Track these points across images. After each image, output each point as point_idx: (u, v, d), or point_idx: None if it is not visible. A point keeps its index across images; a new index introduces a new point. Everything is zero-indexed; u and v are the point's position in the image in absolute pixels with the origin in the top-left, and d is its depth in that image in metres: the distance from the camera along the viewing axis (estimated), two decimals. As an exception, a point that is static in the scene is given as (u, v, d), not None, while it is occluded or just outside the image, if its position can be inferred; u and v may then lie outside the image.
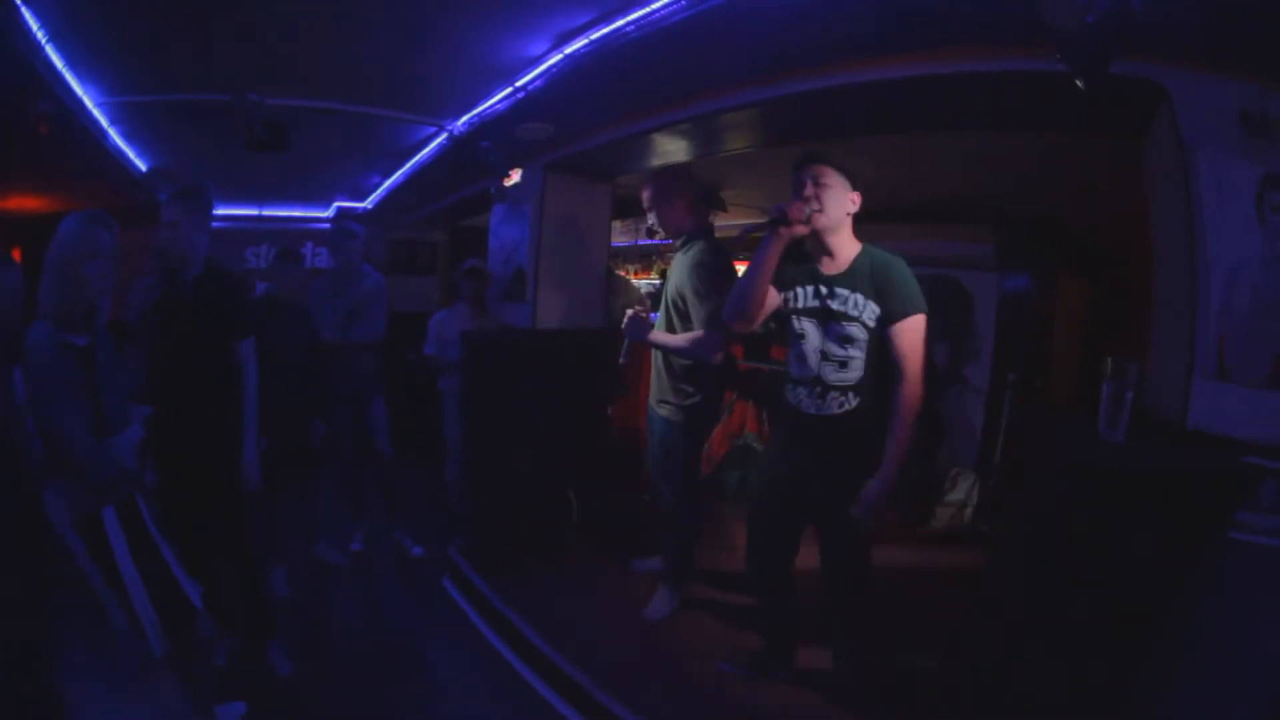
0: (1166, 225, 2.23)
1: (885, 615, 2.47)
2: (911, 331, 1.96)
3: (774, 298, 2.11)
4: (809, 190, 2.01)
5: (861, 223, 2.13)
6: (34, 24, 2.60)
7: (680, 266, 2.78)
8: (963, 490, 4.12)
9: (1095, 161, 3.14)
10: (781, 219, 1.95)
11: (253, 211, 7.50)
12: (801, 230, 1.99)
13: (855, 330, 2.00)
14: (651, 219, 2.90)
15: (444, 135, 4.12)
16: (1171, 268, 2.17)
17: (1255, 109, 1.88)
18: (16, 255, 6.89)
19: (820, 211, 1.99)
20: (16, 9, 2.45)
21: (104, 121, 3.95)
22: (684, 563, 2.98)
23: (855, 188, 2.07)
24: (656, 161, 4.01)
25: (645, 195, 2.88)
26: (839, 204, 2.02)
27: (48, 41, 2.76)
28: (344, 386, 3.65)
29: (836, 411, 2.04)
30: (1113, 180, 2.91)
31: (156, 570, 1.96)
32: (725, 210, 5.93)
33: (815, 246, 2.08)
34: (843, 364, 2.02)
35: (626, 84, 3.02)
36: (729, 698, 2.40)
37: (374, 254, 7.33)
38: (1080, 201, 3.94)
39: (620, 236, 7.48)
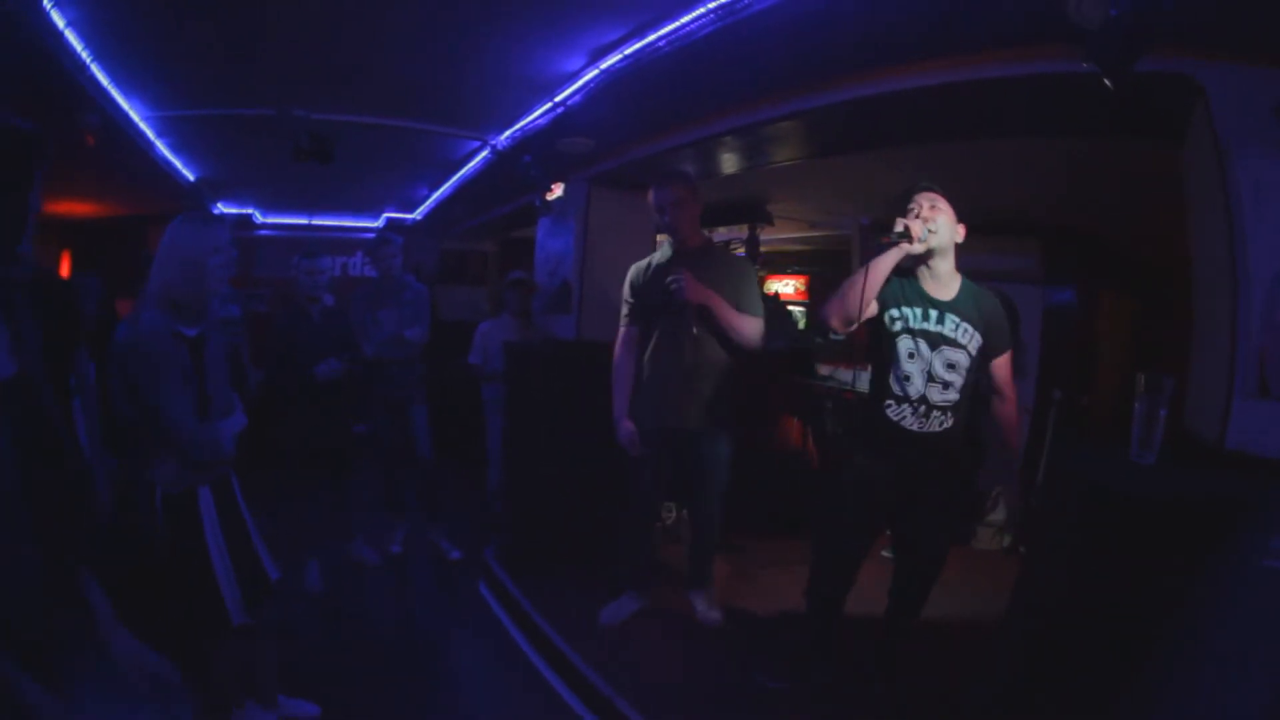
0: (1205, 233, 2.13)
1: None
2: (1008, 364, 2.23)
3: (872, 308, 2.15)
4: (926, 211, 2.08)
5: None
6: (78, 45, 2.75)
7: (713, 273, 2.65)
8: (1004, 510, 4.01)
9: (1139, 172, 3.05)
10: (905, 234, 2.05)
11: (302, 220, 7.78)
12: (919, 248, 2.06)
13: (961, 357, 2.12)
14: (662, 218, 2.71)
15: (488, 149, 4.24)
16: (1211, 278, 2.07)
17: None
18: (65, 257, 6.99)
19: (935, 233, 2.07)
20: (60, 33, 2.60)
21: (151, 134, 4.10)
22: (711, 569, 2.98)
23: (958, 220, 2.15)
24: (703, 174, 4.02)
25: (669, 193, 2.68)
26: (950, 229, 2.11)
27: (92, 61, 2.91)
28: (387, 394, 3.74)
29: (937, 430, 2.15)
30: (1157, 192, 2.81)
31: (243, 548, 2.03)
32: (771, 224, 5.96)
33: (922, 269, 2.16)
34: (946, 385, 2.12)
35: (664, 98, 3.07)
36: (753, 710, 2.38)
37: (424, 264, 7.56)
38: (1124, 214, 3.82)
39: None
